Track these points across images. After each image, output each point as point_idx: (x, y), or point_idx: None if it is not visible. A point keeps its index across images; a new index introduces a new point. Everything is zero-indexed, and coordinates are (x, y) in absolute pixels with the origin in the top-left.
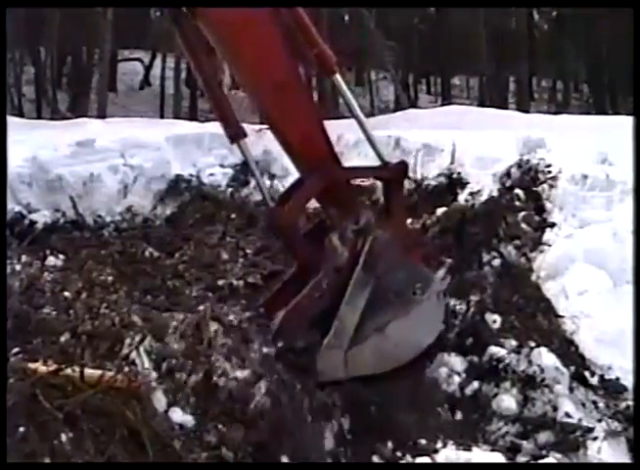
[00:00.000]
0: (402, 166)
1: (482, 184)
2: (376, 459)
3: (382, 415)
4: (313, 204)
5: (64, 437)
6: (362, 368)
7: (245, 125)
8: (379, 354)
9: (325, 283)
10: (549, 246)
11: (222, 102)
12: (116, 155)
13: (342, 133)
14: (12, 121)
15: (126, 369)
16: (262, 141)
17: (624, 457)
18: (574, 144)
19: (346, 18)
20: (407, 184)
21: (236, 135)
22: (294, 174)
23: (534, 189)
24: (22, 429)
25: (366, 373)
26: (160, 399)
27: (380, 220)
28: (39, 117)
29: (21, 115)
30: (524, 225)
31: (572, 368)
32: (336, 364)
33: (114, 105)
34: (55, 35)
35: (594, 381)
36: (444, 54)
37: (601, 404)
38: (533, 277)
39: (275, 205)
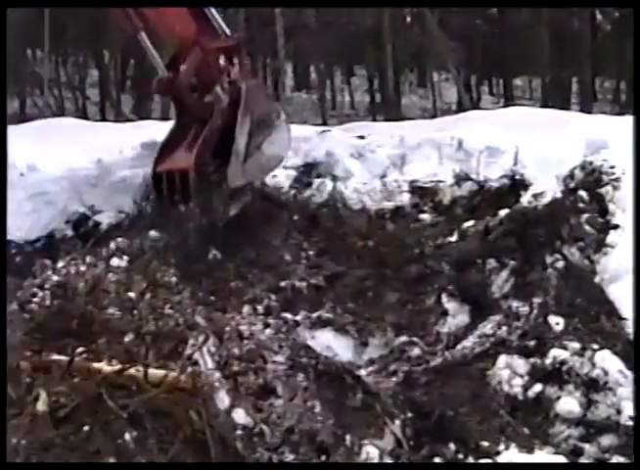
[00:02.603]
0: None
1: (545, 186)
2: (437, 460)
3: (444, 417)
4: None
5: (127, 436)
6: (252, 176)
7: (307, 127)
8: (259, 165)
9: (219, 121)
10: (612, 248)
11: None
12: None
13: (403, 135)
14: (77, 123)
15: (190, 369)
16: (325, 143)
17: None
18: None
19: (408, 19)
20: (470, 185)
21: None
22: (356, 176)
23: (598, 191)
24: (86, 428)
25: (255, 179)
26: (222, 400)
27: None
28: (103, 120)
29: (85, 117)
30: (587, 227)
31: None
32: (238, 174)
33: None
34: (118, 38)
35: None
36: (506, 55)
37: None
38: (597, 279)
39: (167, 74)
